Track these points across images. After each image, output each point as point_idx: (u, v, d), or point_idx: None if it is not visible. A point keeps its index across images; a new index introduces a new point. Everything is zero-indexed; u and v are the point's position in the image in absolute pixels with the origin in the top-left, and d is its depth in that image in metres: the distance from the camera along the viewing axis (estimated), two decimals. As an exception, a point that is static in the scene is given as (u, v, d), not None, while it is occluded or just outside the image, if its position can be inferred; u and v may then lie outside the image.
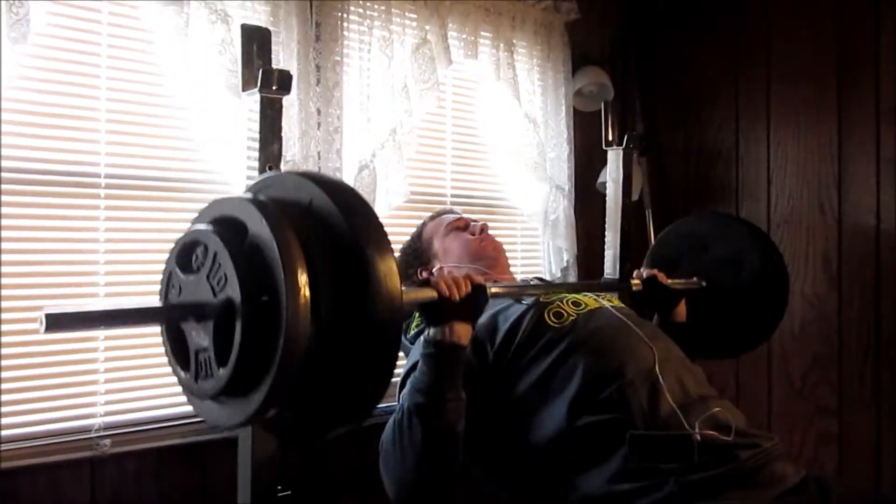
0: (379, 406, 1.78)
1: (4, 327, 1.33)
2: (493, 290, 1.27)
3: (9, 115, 1.33)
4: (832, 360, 2.01)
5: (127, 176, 1.48)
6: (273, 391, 0.81)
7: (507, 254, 2.06)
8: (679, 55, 2.36)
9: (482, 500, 1.58)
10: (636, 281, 1.65)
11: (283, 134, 1.35)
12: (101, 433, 1.41)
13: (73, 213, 1.42)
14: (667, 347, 1.30)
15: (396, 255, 1.37)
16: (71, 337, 1.41)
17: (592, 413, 1.18)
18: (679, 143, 2.34)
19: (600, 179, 2.12)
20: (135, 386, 1.48)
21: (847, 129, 1.99)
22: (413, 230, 1.70)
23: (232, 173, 1.59)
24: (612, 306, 1.37)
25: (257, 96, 1.27)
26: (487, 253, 1.55)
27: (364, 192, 1.67)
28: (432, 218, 1.67)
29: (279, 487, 1.31)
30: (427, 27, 1.82)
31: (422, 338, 1.22)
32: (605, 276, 1.88)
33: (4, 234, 1.33)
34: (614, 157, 2.03)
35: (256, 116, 1.34)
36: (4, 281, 1.33)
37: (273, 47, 1.37)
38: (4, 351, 1.33)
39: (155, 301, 0.99)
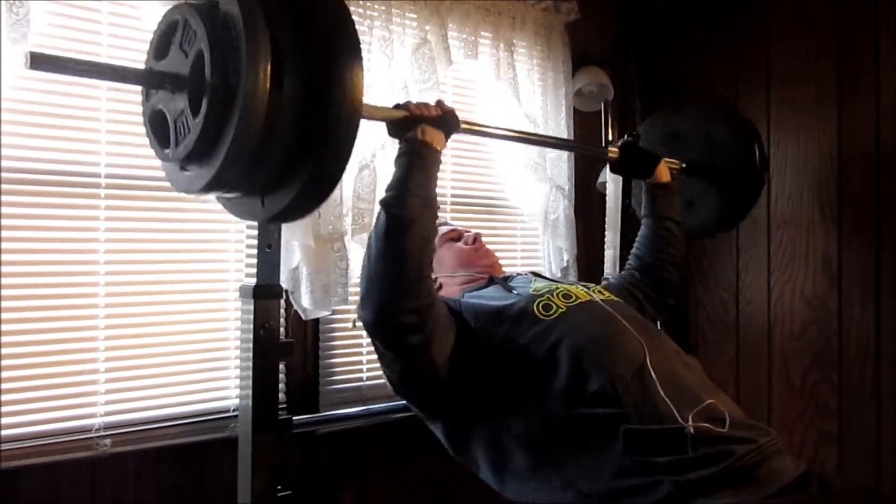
0: (378, 406, 1.79)
1: (4, 327, 1.33)
2: (466, 126, 1.37)
3: (9, 115, 1.34)
4: (832, 360, 2.01)
5: (127, 176, 1.48)
6: (230, 156, 0.93)
7: (508, 254, 2.08)
8: (679, 55, 2.36)
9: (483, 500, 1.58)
10: (613, 149, 1.72)
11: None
12: (101, 433, 1.41)
13: (73, 214, 1.42)
14: (658, 342, 1.30)
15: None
16: (71, 337, 1.42)
17: (582, 406, 1.18)
18: (679, 143, 2.34)
19: (600, 179, 2.12)
20: (135, 386, 1.48)
21: (847, 129, 1.99)
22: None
23: (232, 173, 1.59)
24: (602, 300, 1.37)
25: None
26: (481, 262, 1.56)
27: (364, 193, 1.67)
28: None
29: (279, 487, 1.31)
30: (427, 27, 1.82)
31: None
32: (606, 275, 1.88)
33: (4, 234, 1.34)
34: (614, 156, 2.04)
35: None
36: (4, 281, 1.33)
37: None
38: (4, 351, 1.33)
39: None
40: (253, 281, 1.28)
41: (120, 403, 1.46)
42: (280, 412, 1.52)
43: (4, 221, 1.34)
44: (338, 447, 1.72)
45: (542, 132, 2.03)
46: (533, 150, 2.00)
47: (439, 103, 1.32)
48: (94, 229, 1.45)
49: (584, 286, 1.43)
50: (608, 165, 1.78)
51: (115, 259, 1.47)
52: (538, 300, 1.32)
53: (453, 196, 1.98)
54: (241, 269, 1.61)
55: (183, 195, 1.53)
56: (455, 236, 1.61)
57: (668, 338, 1.35)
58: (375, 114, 1.27)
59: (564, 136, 2.09)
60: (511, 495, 1.28)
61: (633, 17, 2.40)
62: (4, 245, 1.34)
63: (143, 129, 1.48)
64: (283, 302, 1.59)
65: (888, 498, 1.91)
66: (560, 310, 1.30)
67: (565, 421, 1.19)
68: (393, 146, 1.70)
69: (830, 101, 2.02)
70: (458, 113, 1.38)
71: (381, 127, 1.33)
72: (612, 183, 2.03)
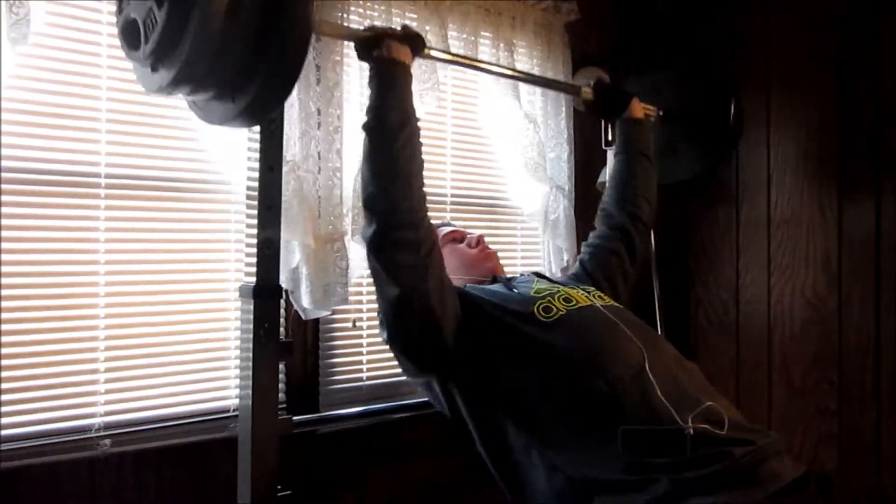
0: (378, 406, 1.78)
1: (4, 327, 1.33)
2: (433, 53, 1.47)
3: (9, 115, 1.34)
4: (832, 360, 2.01)
5: (127, 176, 1.48)
6: (194, 48, 1.00)
7: (508, 254, 2.08)
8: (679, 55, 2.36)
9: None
10: (587, 89, 1.79)
11: (283, 134, 1.35)
12: (101, 433, 1.41)
13: (73, 213, 1.42)
14: (658, 347, 1.30)
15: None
16: (71, 336, 1.42)
17: (580, 404, 1.18)
18: (679, 143, 2.34)
19: (600, 179, 2.12)
20: (135, 386, 1.48)
21: (847, 129, 1.99)
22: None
23: (232, 173, 1.59)
24: (603, 305, 1.37)
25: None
26: (485, 265, 1.57)
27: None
28: None
29: (279, 487, 1.31)
30: (427, 27, 1.82)
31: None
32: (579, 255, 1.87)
33: (4, 234, 1.34)
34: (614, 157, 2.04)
35: (257, 116, 1.34)
36: (4, 281, 1.33)
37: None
38: (4, 351, 1.33)
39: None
40: (253, 281, 1.28)
41: (120, 403, 1.46)
42: (280, 412, 1.52)
43: (4, 221, 1.33)
44: (338, 447, 1.72)
45: (542, 132, 2.03)
46: (533, 150, 2.00)
47: (404, 26, 1.39)
48: (94, 229, 1.45)
49: (584, 290, 1.43)
50: (585, 107, 1.86)
51: (115, 259, 1.47)
52: (539, 302, 1.33)
53: (453, 196, 1.98)
54: (241, 269, 1.61)
55: (183, 195, 1.54)
56: (458, 237, 1.61)
57: (668, 343, 1.36)
58: (341, 31, 1.35)
59: (564, 136, 2.09)
60: (495, 469, 1.29)
61: (633, 17, 2.40)
62: (4, 245, 1.34)
63: (142, 129, 1.50)
64: (283, 302, 1.59)
65: (888, 498, 1.91)
66: (560, 312, 1.31)
67: (562, 412, 1.20)
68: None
69: (831, 100, 2.02)
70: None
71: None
72: (612, 183, 2.04)
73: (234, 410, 1.56)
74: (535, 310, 1.31)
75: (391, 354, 1.38)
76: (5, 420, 1.32)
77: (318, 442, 1.68)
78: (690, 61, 2.13)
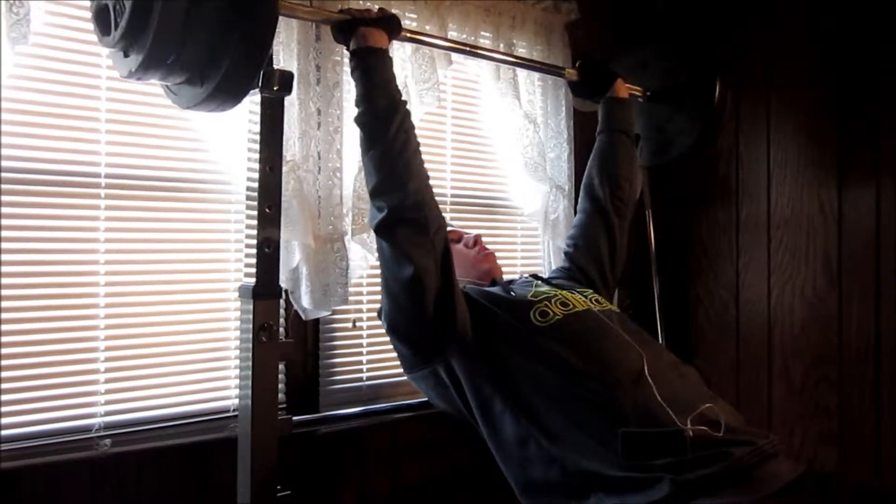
0: (378, 406, 1.79)
1: (4, 327, 1.33)
2: (410, 34, 1.47)
3: (9, 115, 1.34)
4: (832, 360, 2.01)
5: (127, 176, 1.48)
6: (160, 30, 1.03)
7: (508, 254, 2.08)
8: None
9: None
10: (571, 70, 1.81)
11: (283, 134, 1.35)
12: (101, 433, 1.41)
13: (73, 213, 1.42)
14: (656, 352, 1.30)
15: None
16: (71, 336, 1.42)
17: (579, 409, 1.18)
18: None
19: (600, 179, 2.12)
20: (135, 385, 1.48)
21: (847, 129, 1.99)
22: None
23: (232, 173, 1.59)
24: (600, 310, 1.37)
25: (258, 96, 1.27)
26: (483, 265, 1.57)
27: (364, 193, 1.67)
28: None
29: (279, 487, 1.31)
30: (427, 27, 1.82)
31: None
32: (568, 240, 1.87)
33: (4, 234, 1.34)
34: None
35: (257, 116, 1.34)
36: (4, 281, 1.33)
37: (273, 47, 1.37)
38: (4, 351, 1.33)
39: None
40: (253, 281, 1.28)
41: (120, 403, 1.46)
42: (280, 412, 1.52)
43: (4, 221, 1.33)
44: (338, 447, 1.72)
45: (542, 132, 2.03)
46: (533, 150, 2.00)
47: (380, 8, 1.40)
48: (94, 229, 1.45)
49: (581, 293, 1.43)
50: (570, 86, 1.89)
51: (115, 259, 1.47)
52: (535, 306, 1.33)
53: (453, 196, 1.98)
54: (240, 269, 1.61)
55: (183, 195, 1.54)
56: (455, 237, 1.61)
57: (666, 349, 1.36)
58: (315, 15, 1.36)
59: (564, 136, 2.09)
60: (500, 462, 1.29)
61: (634, 18, 2.39)
62: (4, 245, 1.34)
63: (142, 129, 1.50)
64: (283, 302, 1.59)
65: (888, 498, 1.91)
66: (557, 317, 1.31)
67: (560, 410, 1.20)
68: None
69: (831, 100, 2.01)
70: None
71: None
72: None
73: (234, 410, 1.56)
74: (532, 314, 1.31)
75: (391, 354, 1.39)
76: (5, 420, 1.32)
77: (318, 442, 1.68)
78: (672, 39, 2.13)
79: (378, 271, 1.36)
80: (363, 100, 1.32)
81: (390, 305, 1.31)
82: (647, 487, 1.08)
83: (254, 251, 1.30)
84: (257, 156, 1.31)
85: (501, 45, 1.97)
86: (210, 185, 1.58)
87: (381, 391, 1.82)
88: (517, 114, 1.98)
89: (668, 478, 1.07)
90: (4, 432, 1.31)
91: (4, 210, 1.33)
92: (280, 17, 1.47)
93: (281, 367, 1.61)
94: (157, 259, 1.52)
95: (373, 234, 1.33)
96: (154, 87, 1.47)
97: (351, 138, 1.66)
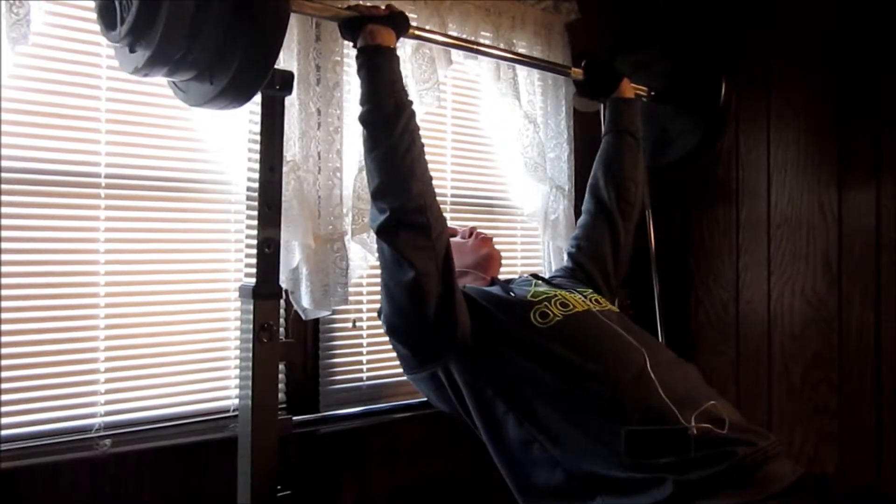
0: (378, 406, 1.79)
1: (4, 327, 1.33)
2: (417, 32, 1.44)
3: (9, 115, 1.34)
4: (832, 360, 2.01)
5: (127, 176, 1.48)
6: (168, 26, 1.00)
7: (508, 254, 2.07)
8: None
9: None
10: (577, 70, 1.78)
11: (283, 134, 1.35)
12: (101, 433, 1.41)
13: (73, 213, 1.42)
14: (658, 350, 1.30)
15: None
16: (71, 336, 1.42)
17: (581, 409, 1.18)
18: (679, 143, 2.34)
19: (600, 179, 2.12)
20: (135, 385, 1.48)
21: (847, 129, 1.99)
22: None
23: (233, 173, 1.59)
24: (600, 310, 1.37)
25: (258, 96, 1.27)
26: (480, 252, 1.57)
27: (364, 193, 1.67)
28: None
29: (279, 487, 1.31)
30: (427, 27, 1.82)
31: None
32: (573, 239, 1.86)
33: (4, 234, 1.34)
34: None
35: (257, 116, 1.34)
36: (4, 281, 1.33)
37: (273, 47, 1.36)
38: (4, 350, 1.33)
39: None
40: (253, 281, 1.28)
41: (120, 403, 1.46)
42: (280, 412, 1.52)
43: (4, 221, 1.33)
44: (338, 447, 1.72)
45: (542, 132, 2.03)
46: (533, 150, 2.00)
47: (388, 6, 1.36)
48: (94, 229, 1.44)
49: (581, 293, 1.43)
50: (575, 89, 1.88)
51: (115, 259, 1.47)
52: (535, 307, 1.33)
53: (453, 196, 1.98)
54: (240, 269, 1.61)
55: (183, 195, 1.54)
56: (451, 233, 1.61)
57: (667, 347, 1.36)
58: (324, 11, 1.33)
59: (564, 136, 2.09)
60: (501, 465, 1.29)
61: (634, 17, 2.39)
62: (4, 245, 1.34)
63: (142, 129, 1.50)
64: (283, 302, 1.59)
65: (888, 498, 1.91)
66: (557, 318, 1.31)
67: (562, 411, 1.20)
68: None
69: (830, 100, 2.02)
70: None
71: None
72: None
73: (234, 410, 1.56)
74: (532, 315, 1.31)
75: (391, 354, 1.38)
76: (5, 420, 1.32)
77: (318, 442, 1.68)
78: (676, 39, 2.12)
79: (378, 271, 1.36)
80: (368, 98, 1.29)
81: (390, 308, 1.29)
82: (650, 488, 1.08)
83: (254, 251, 1.30)
84: (257, 156, 1.31)
85: (501, 45, 1.97)
86: (210, 185, 1.58)
87: (381, 391, 1.82)
88: (517, 114, 1.98)
89: (671, 478, 1.07)
90: (4, 432, 1.31)
91: (4, 210, 1.33)
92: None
93: (281, 367, 1.61)
94: (157, 259, 1.52)
95: (373, 234, 1.32)
96: (154, 87, 1.47)
97: (351, 138, 1.66)
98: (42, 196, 1.39)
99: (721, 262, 2.26)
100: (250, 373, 1.26)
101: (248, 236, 1.60)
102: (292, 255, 1.58)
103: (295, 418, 1.54)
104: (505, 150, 2.02)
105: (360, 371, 1.81)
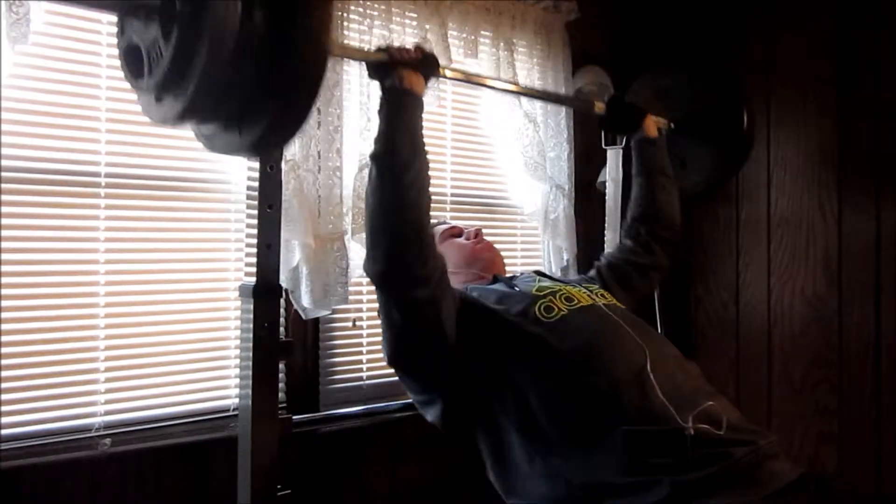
0: (378, 406, 1.78)
1: (4, 326, 1.33)
2: (449, 73, 1.40)
3: (9, 115, 1.34)
4: (832, 360, 2.01)
5: (127, 175, 1.48)
6: (201, 82, 0.92)
7: (508, 253, 2.07)
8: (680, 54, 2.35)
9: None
10: (600, 104, 1.72)
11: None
12: (101, 433, 1.41)
13: (73, 213, 1.42)
14: (660, 347, 1.30)
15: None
16: (71, 336, 1.42)
17: (581, 405, 1.18)
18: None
19: (600, 179, 2.12)
20: (135, 385, 1.48)
21: (847, 129, 1.99)
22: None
23: (232, 172, 1.59)
24: (605, 304, 1.37)
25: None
26: (483, 256, 1.56)
27: (364, 193, 1.67)
28: None
29: (279, 487, 1.31)
30: (427, 26, 1.82)
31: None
32: (601, 256, 1.85)
33: (4, 233, 1.34)
34: (614, 156, 2.04)
35: (257, 116, 1.34)
36: (4, 280, 1.33)
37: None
38: (4, 350, 1.33)
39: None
40: (253, 280, 1.28)
41: (120, 403, 1.46)
42: (280, 412, 1.52)
43: (4, 221, 1.33)
44: (338, 447, 1.72)
45: (542, 132, 2.03)
46: (533, 150, 2.00)
47: (418, 47, 1.31)
48: (94, 228, 1.45)
49: (587, 289, 1.43)
50: (598, 122, 1.81)
51: (115, 258, 1.47)
52: (540, 301, 1.32)
53: (453, 196, 1.98)
54: (241, 268, 1.61)
55: (183, 195, 1.54)
56: (456, 233, 1.61)
57: (670, 343, 1.35)
58: (354, 54, 1.31)
59: (564, 135, 2.09)
60: (499, 478, 1.28)
61: (634, 17, 2.39)
62: (4, 244, 1.34)
63: (143, 129, 1.49)
64: (283, 302, 1.59)
65: (888, 499, 1.91)
66: (561, 312, 1.30)
67: (562, 413, 1.20)
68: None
69: (830, 100, 2.02)
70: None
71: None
72: (611, 183, 2.03)
73: (234, 410, 1.56)
74: (537, 309, 1.30)
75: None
76: (5, 420, 1.32)
77: (318, 442, 1.68)
78: (697, 65, 2.04)
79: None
80: (385, 138, 1.24)
81: (385, 339, 1.30)
82: (646, 490, 1.08)
83: (254, 251, 1.30)
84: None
85: (501, 45, 1.97)
86: (210, 184, 1.58)
87: (381, 391, 1.82)
88: (517, 113, 1.98)
89: (667, 479, 1.07)
90: (4, 432, 1.31)
91: (4, 210, 1.33)
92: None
93: (281, 366, 1.61)
94: (157, 258, 1.52)
95: (367, 186, 1.27)
96: (154, 87, 1.47)
97: (350, 137, 1.66)
98: (42, 195, 1.39)
99: (721, 262, 2.26)
100: (250, 372, 1.26)
101: (248, 236, 1.60)
102: (292, 255, 1.58)
103: (295, 418, 1.54)
104: (505, 149, 2.02)
105: (360, 371, 1.81)
